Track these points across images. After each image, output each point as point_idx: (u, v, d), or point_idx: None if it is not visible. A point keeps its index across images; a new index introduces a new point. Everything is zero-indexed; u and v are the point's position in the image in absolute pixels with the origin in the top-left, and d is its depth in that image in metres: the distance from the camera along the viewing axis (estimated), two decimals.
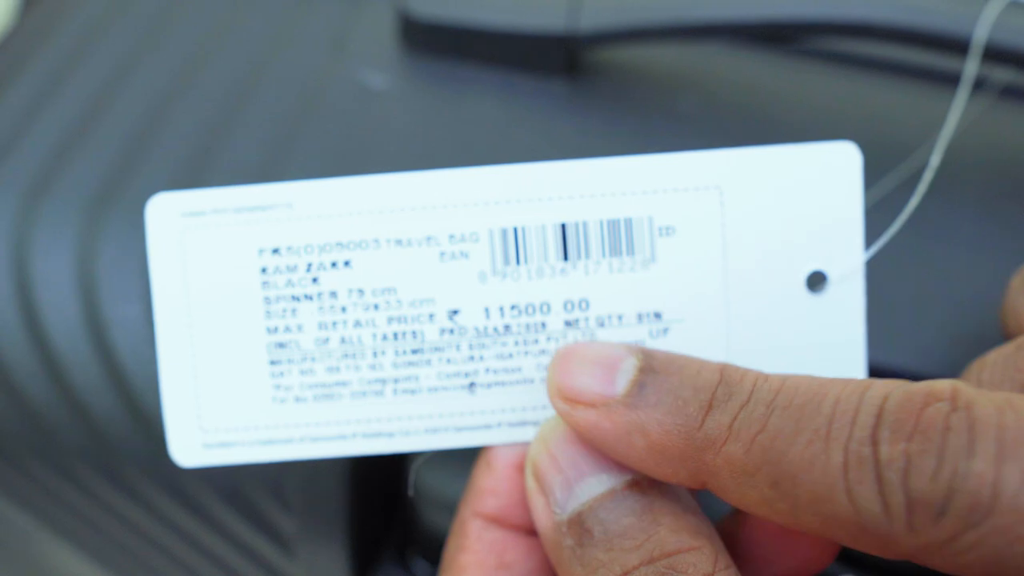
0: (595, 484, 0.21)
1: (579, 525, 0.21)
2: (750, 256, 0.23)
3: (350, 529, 0.29)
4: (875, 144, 0.29)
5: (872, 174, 0.27)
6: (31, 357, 0.29)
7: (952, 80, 0.31)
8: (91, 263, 0.29)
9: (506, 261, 0.22)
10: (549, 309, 0.22)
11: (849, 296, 0.23)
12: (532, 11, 0.32)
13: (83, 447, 0.30)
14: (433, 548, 0.30)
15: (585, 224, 0.22)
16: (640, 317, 0.23)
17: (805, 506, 0.19)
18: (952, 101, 0.27)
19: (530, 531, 0.23)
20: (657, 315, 0.23)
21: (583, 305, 0.22)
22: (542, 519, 0.22)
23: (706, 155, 0.23)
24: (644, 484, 0.21)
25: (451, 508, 0.28)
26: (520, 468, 0.23)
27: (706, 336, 0.23)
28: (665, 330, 0.23)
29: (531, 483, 0.22)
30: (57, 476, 0.31)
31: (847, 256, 0.23)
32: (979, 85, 0.31)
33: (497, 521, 0.23)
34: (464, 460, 0.25)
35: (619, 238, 0.22)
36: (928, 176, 0.25)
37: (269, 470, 0.29)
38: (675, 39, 0.30)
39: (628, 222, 0.22)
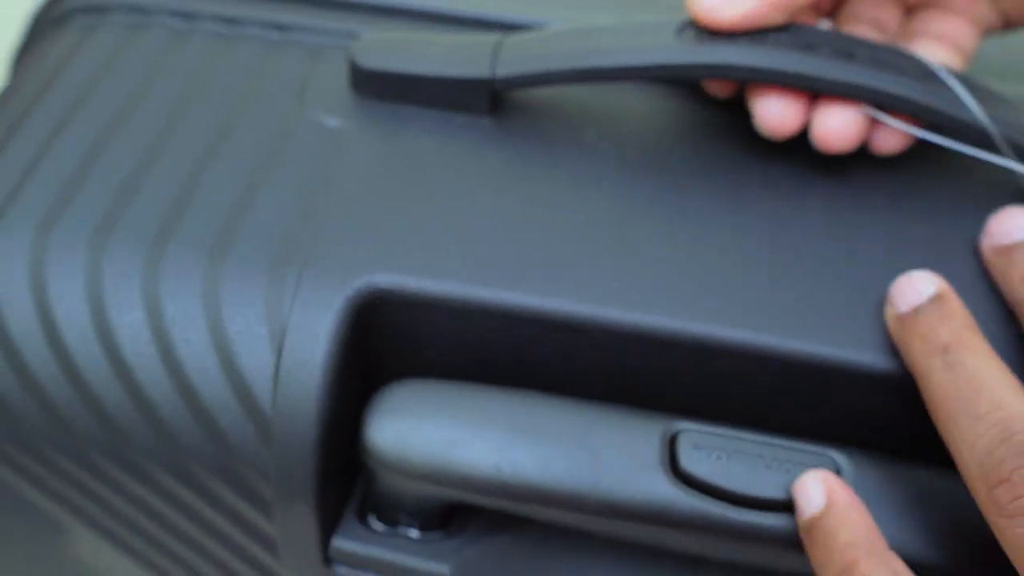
0: None
1: None
2: None
3: (317, 492, 0.35)
4: None
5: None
6: (50, 360, 0.35)
7: None
8: (97, 280, 0.35)
9: None
10: None
11: None
12: (459, 61, 0.39)
13: (96, 436, 0.36)
14: (387, 508, 0.36)
15: None
16: None
17: None
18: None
19: None
20: None
21: None
22: None
23: None
24: None
25: (404, 473, 0.34)
26: None
27: None
28: None
29: None
30: (74, 463, 0.37)
31: None
32: None
33: None
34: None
35: None
36: None
37: (256, 448, 0.35)
38: (577, 82, 0.37)
39: None
